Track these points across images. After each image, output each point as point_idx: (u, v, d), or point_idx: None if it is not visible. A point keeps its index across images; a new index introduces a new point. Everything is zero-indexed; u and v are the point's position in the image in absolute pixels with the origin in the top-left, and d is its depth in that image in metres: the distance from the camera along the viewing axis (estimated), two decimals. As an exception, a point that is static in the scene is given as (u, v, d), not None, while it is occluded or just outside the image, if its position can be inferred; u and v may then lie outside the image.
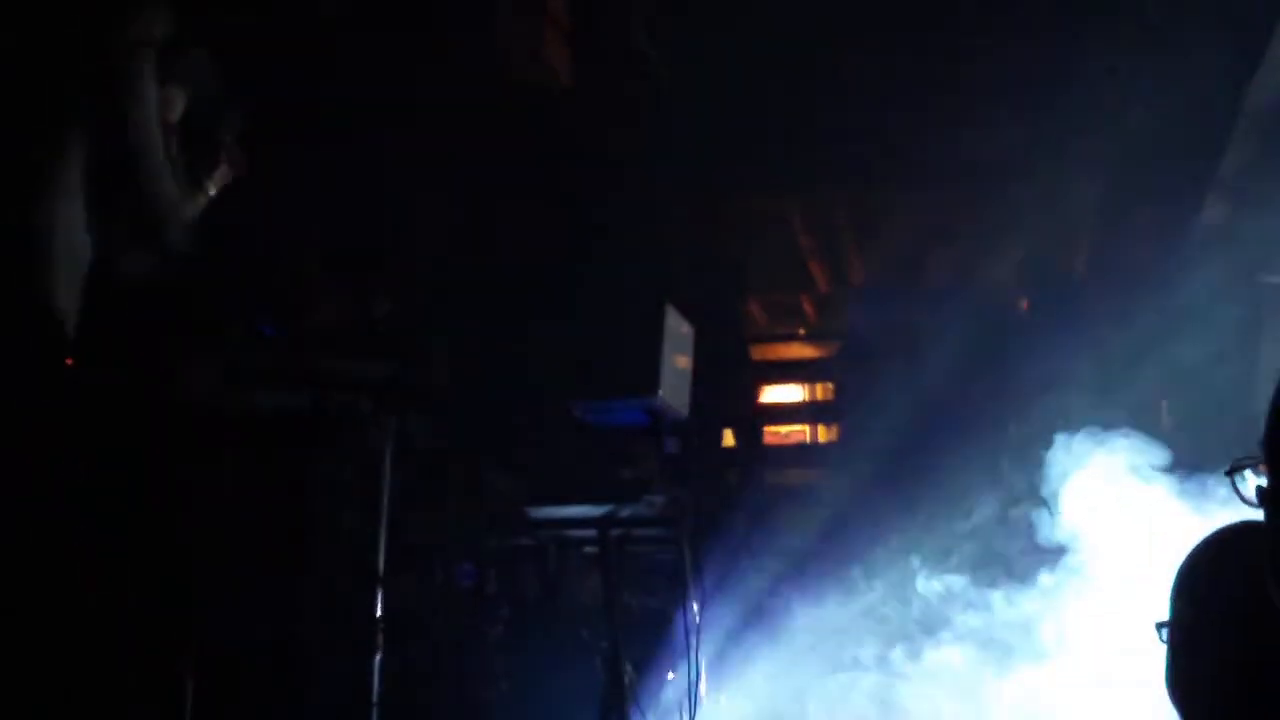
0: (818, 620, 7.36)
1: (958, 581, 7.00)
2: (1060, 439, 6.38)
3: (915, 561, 7.27)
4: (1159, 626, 2.31)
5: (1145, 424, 6.37)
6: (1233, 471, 1.68)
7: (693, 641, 5.56)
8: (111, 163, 3.39)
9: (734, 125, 8.33)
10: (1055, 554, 6.39)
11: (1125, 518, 5.87)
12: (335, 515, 4.80)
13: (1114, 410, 6.71)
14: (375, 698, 4.39)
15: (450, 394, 5.42)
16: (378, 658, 4.38)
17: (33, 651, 3.57)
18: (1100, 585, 6.00)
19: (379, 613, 4.46)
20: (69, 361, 3.54)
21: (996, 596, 6.67)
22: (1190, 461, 5.71)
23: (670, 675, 6.02)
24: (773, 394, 11.10)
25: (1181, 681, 2.28)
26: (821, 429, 10.97)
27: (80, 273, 3.31)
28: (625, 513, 5.45)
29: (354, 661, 4.57)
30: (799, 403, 11.17)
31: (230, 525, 4.43)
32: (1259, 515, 1.66)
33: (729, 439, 10.18)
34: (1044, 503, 6.47)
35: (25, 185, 3.23)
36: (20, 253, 3.19)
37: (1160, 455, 5.88)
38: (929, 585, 7.10)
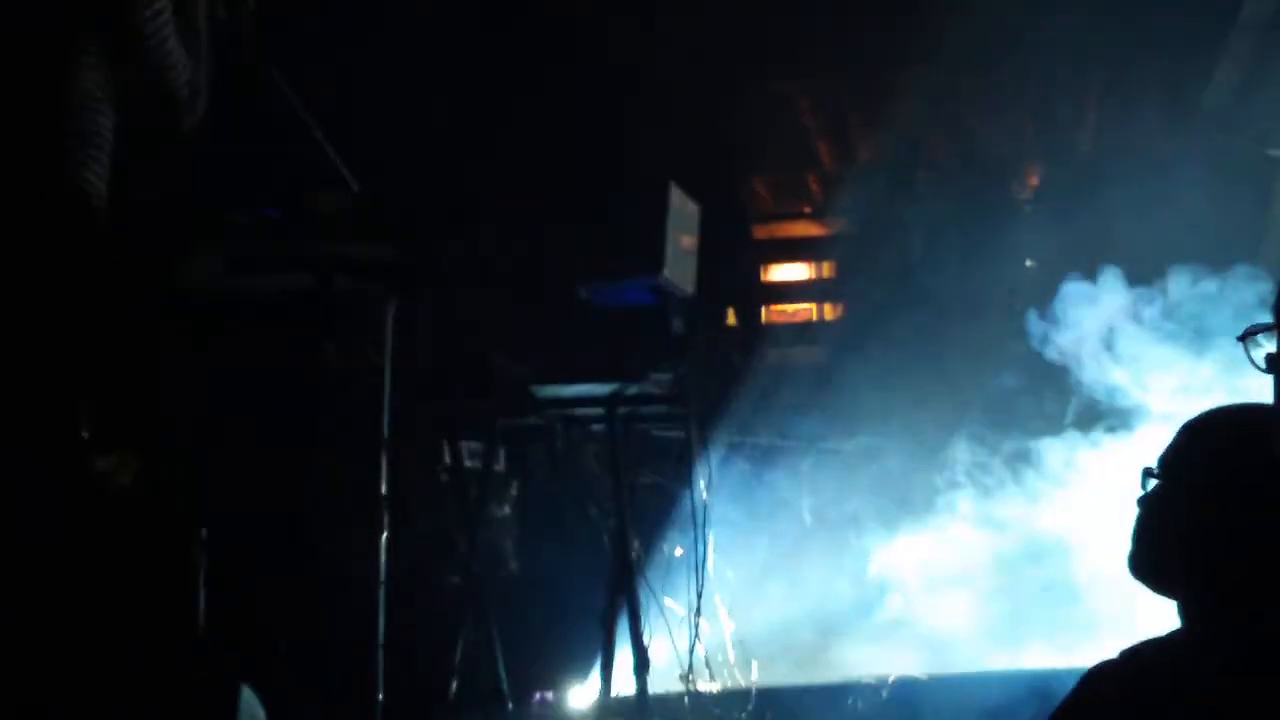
0: (826, 495, 7.42)
1: (970, 450, 7.04)
2: (1070, 299, 6.41)
3: (929, 433, 7.32)
4: (1137, 502, 2.33)
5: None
6: (1245, 338, 1.68)
7: (699, 518, 5.60)
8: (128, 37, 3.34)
9: (738, 6, 8.23)
10: (1074, 418, 6.44)
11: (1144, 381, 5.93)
12: (342, 398, 4.82)
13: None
14: (383, 577, 4.42)
15: (456, 275, 5.41)
16: (384, 536, 4.40)
17: (38, 544, 3.59)
18: (1126, 448, 6.05)
19: (385, 492, 4.47)
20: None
21: (1012, 463, 6.73)
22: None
23: (678, 551, 6.08)
24: (779, 273, 11.11)
25: (1143, 559, 2.30)
26: (828, 307, 10.97)
27: (104, 153, 3.27)
28: (632, 391, 5.46)
29: (363, 541, 4.60)
30: (805, 281, 11.16)
31: (236, 409, 4.45)
32: (1268, 383, 1.66)
33: (732, 318, 10.20)
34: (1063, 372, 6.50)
35: (53, 62, 3.19)
36: (51, 131, 3.16)
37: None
38: (950, 453, 7.14)
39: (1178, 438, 2.31)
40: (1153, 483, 2.30)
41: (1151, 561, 2.29)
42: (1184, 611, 2.26)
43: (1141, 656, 2.24)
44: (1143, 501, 2.31)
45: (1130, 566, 2.31)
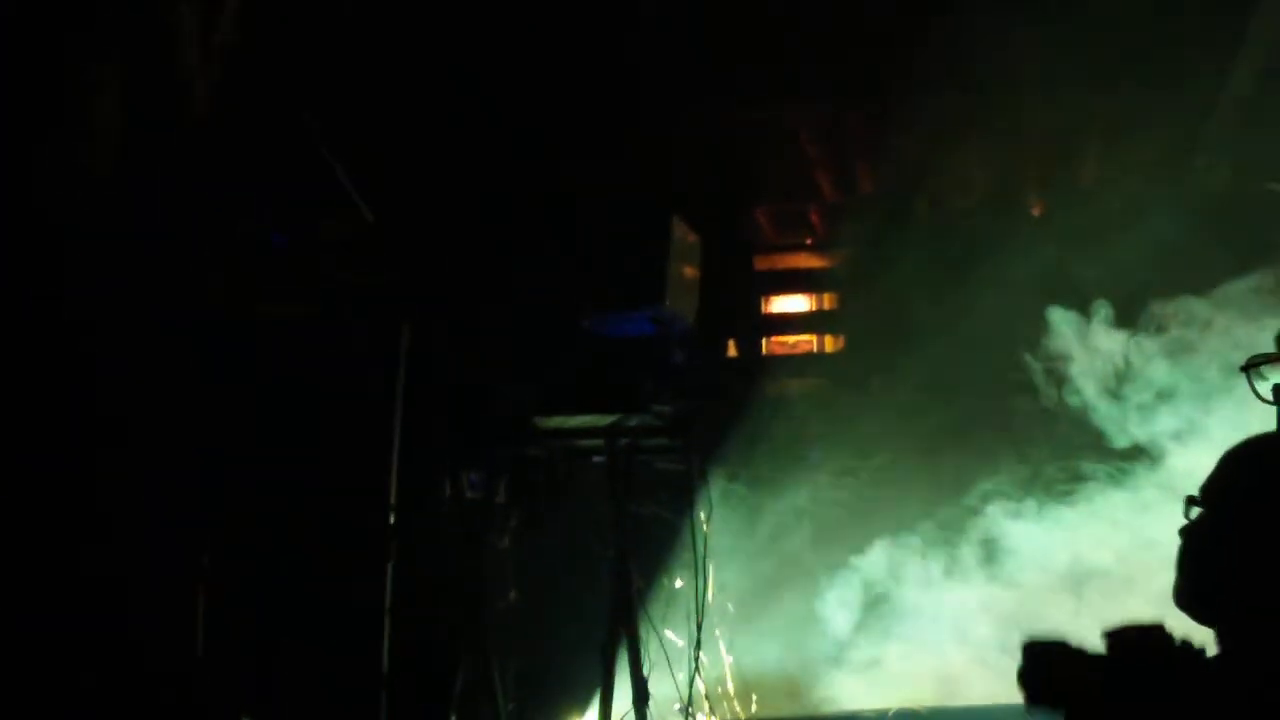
0: (827, 526, 7.40)
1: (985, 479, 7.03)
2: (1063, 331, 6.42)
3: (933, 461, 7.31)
4: (1180, 532, 2.31)
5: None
6: (1249, 368, 1.67)
7: (700, 550, 5.59)
8: (140, 34, 3.36)
9: (741, 35, 8.26)
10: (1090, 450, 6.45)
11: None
12: (346, 427, 4.82)
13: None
14: (387, 606, 4.42)
15: (459, 304, 5.42)
16: (390, 566, 4.40)
17: (57, 539, 3.58)
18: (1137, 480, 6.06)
19: (390, 522, 4.48)
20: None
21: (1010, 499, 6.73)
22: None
23: (678, 583, 6.07)
24: (779, 304, 11.11)
25: (1190, 589, 2.28)
26: (829, 339, 10.96)
27: (113, 142, 3.29)
28: (632, 422, 5.46)
29: (366, 572, 4.60)
30: (805, 312, 11.17)
31: (239, 436, 4.45)
32: (1272, 412, 1.66)
33: (733, 349, 10.21)
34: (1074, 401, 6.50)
35: (62, 51, 3.22)
36: (56, 112, 3.18)
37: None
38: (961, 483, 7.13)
39: (1221, 466, 2.29)
40: (1195, 512, 2.27)
41: (1201, 592, 2.26)
42: (1223, 638, 2.23)
43: None
44: (1186, 531, 2.29)
45: (1177, 598, 2.28)
